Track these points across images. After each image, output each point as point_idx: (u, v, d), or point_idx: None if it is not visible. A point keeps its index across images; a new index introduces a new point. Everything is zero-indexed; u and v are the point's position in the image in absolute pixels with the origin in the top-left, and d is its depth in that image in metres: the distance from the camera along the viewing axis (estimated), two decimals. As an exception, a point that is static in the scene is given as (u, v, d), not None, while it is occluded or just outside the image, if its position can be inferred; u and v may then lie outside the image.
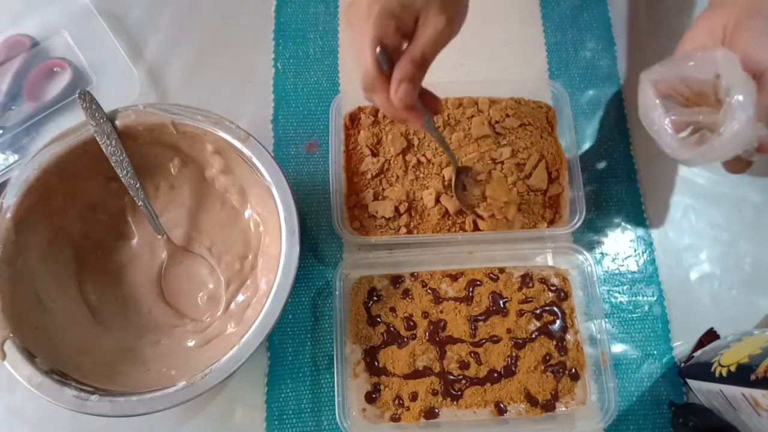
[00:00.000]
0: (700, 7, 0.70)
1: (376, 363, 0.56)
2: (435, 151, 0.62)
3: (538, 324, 0.57)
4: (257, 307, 0.49)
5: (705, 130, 0.45)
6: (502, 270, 0.59)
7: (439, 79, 0.68)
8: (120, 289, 0.56)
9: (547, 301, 0.58)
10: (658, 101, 0.46)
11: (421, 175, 0.62)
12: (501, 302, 0.58)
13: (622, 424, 0.56)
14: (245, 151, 0.52)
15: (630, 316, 0.59)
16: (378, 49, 0.42)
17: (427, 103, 0.50)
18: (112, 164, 0.52)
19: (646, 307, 0.59)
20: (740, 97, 0.43)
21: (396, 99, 0.44)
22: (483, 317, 0.57)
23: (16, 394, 0.56)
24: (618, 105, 0.67)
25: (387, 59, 0.43)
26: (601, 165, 0.65)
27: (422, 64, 0.44)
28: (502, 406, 0.55)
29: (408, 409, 0.55)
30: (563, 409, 0.55)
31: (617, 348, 0.58)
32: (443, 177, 0.61)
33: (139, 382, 0.48)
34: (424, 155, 0.62)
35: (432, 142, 0.63)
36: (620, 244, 0.62)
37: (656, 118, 0.46)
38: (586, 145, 0.65)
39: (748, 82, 0.43)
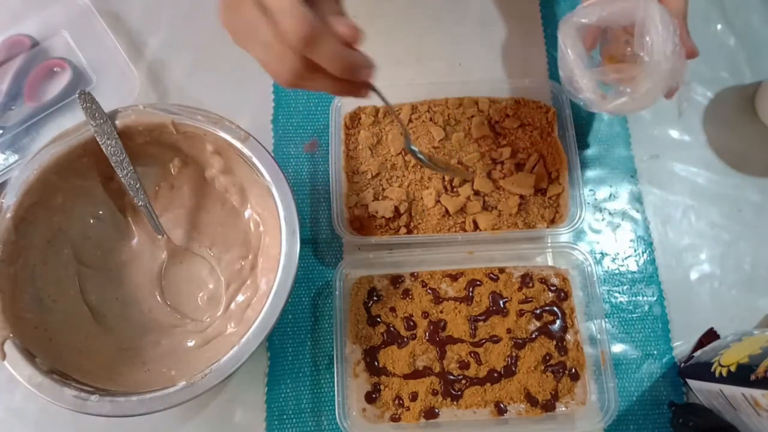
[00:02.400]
0: (696, 6, 0.71)
1: (376, 363, 0.56)
2: (434, 150, 0.62)
3: (538, 324, 0.57)
4: (257, 307, 0.49)
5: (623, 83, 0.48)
6: (502, 270, 0.59)
7: (439, 78, 0.68)
8: (120, 289, 0.56)
9: (547, 301, 0.58)
10: (574, 57, 0.49)
11: (421, 175, 0.62)
12: (501, 302, 0.58)
13: (622, 424, 0.56)
14: (245, 151, 0.52)
15: (630, 316, 0.59)
16: None
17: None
18: (112, 164, 0.52)
19: (646, 307, 0.59)
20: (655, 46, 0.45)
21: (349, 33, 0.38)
22: (483, 317, 0.57)
23: (16, 394, 0.56)
24: (618, 105, 0.67)
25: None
26: (601, 165, 0.65)
27: None
28: (502, 406, 0.55)
29: (408, 409, 0.55)
30: (563, 409, 0.55)
31: (617, 348, 0.58)
32: (443, 177, 0.61)
33: (139, 382, 0.48)
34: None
35: (429, 140, 0.63)
36: (620, 244, 0.62)
37: (576, 72, 0.50)
38: (586, 145, 0.65)
39: (668, 27, 0.45)
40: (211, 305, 0.56)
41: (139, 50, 0.68)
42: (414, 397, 0.55)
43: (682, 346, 0.58)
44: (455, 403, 0.55)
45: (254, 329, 0.47)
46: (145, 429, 0.54)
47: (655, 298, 0.59)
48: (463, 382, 0.55)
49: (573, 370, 0.56)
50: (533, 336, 0.57)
